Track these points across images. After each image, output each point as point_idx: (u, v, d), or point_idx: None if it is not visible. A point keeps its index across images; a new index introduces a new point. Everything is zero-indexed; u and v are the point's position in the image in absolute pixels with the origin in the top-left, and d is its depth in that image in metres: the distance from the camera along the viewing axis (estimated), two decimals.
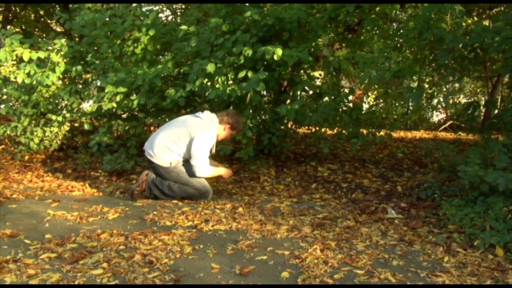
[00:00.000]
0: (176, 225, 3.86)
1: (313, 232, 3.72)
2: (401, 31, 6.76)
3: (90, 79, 6.17)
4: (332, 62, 5.65)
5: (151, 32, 5.63)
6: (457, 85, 12.20)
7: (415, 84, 11.18)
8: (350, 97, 6.20)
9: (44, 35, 17.90)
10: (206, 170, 4.62)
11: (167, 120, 5.41)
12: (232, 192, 5.04)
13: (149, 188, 4.68)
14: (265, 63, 5.28)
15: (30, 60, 5.81)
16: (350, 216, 4.20)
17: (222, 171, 4.86)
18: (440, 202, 4.29)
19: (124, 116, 5.93)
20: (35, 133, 5.86)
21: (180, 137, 4.58)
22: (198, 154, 4.53)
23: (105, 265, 2.95)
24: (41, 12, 17.94)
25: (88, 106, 5.84)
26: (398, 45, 6.90)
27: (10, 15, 15.03)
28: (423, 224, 3.97)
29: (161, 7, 6.47)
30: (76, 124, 6.23)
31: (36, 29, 17.76)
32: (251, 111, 5.50)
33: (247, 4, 6.06)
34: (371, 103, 13.41)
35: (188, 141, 4.56)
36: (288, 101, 5.91)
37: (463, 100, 14.44)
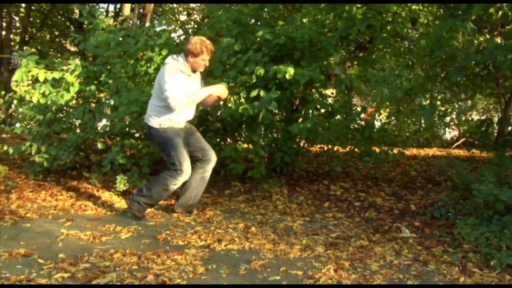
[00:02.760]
0: (189, 244, 3.86)
1: (326, 252, 3.71)
2: (413, 48, 6.78)
3: (103, 99, 6.23)
4: (344, 80, 5.66)
5: (164, 52, 5.68)
6: (469, 102, 12.17)
7: (427, 102, 11.18)
8: (362, 115, 6.20)
9: (59, 55, 18.17)
10: (180, 102, 4.45)
11: None
12: (244, 211, 5.03)
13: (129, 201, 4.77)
14: (277, 82, 5.30)
15: (45, 80, 5.89)
16: (363, 235, 4.18)
17: (209, 90, 4.72)
18: (455, 221, 4.25)
19: (137, 135, 5.96)
20: (49, 152, 5.90)
21: (157, 90, 4.59)
22: (167, 91, 4.43)
23: (118, 285, 2.95)
24: (56, 33, 18.26)
25: (101, 125, 5.89)
26: (410, 63, 6.91)
27: (27, 36, 15.27)
28: (437, 243, 3.93)
29: (173, 27, 6.51)
30: (90, 143, 6.28)
31: (51, 49, 18.05)
32: (263, 129, 5.51)
33: (258, 23, 6.12)
34: (383, 120, 13.40)
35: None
36: (300, 119, 5.91)
37: (475, 117, 14.39)
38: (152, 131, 4.66)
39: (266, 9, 6.08)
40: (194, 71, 4.67)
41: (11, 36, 14.85)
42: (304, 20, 5.90)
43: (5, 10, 13.99)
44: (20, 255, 3.50)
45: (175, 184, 4.66)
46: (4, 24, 14.07)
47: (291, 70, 4.90)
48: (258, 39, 5.46)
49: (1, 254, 3.49)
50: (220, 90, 4.74)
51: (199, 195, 4.93)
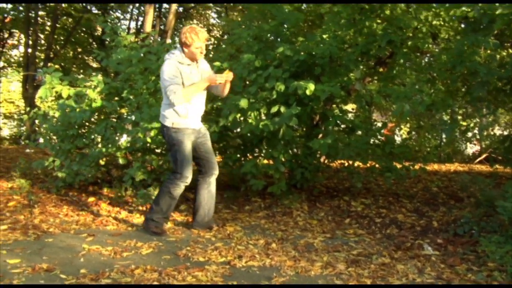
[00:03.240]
0: (210, 261, 3.85)
1: (348, 269, 3.67)
2: (433, 63, 6.74)
3: (125, 115, 6.29)
4: (365, 96, 5.65)
5: None
6: (491, 117, 12.02)
7: (448, 117, 11.07)
8: (383, 131, 6.17)
9: (82, 71, 18.48)
10: (177, 94, 4.47)
11: None
12: (265, 227, 5.01)
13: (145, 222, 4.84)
14: (298, 97, 5.31)
15: (69, 97, 5.98)
16: (385, 253, 4.13)
17: (204, 81, 4.62)
18: (479, 238, 4.18)
19: (158, 150, 6.01)
20: (71, 168, 5.97)
21: (162, 87, 4.66)
22: (165, 86, 4.50)
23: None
24: (79, 50, 18.58)
25: (123, 141, 5.94)
26: (430, 78, 6.87)
27: (51, 53, 15.56)
28: (461, 261, 3.87)
29: None
30: (112, 159, 6.34)
31: (74, 66, 18.36)
32: (283, 145, 5.51)
33: (278, 39, 6.15)
34: (403, 136, 13.29)
35: None
36: (320, 135, 5.91)
37: (497, 131, 14.18)
38: (164, 130, 4.67)
39: (286, 25, 6.10)
40: (193, 60, 4.62)
41: (36, 53, 15.13)
42: (324, 36, 5.91)
43: (31, 29, 14.29)
44: (43, 270, 3.53)
45: (177, 189, 4.67)
46: (30, 42, 14.36)
47: (311, 86, 4.91)
48: (279, 55, 5.49)
49: (25, 269, 3.52)
50: (216, 78, 4.58)
51: (212, 209, 4.92)
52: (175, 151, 4.63)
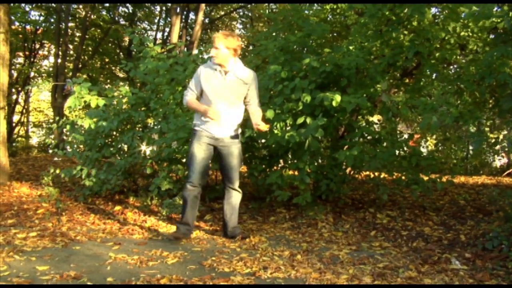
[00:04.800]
0: (235, 271, 3.85)
1: (374, 282, 3.63)
2: (461, 75, 6.67)
3: (151, 124, 6.37)
4: (391, 107, 5.62)
5: None
6: None
7: (475, 128, 10.91)
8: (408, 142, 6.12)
9: (109, 81, 18.77)
10: (185, 97, 4.73)
11: None
12: (290, 239, 5.00)
13: None
14: (324, 109, 5.30)
15: (97, 106, 6.08)
16: (411, 266, 4.07)
17: (202, 107, 4.61)
18: (508, 253, 4.10)
19: (183, 160, 6.05)
20: (98, 176, 6.05)
21: None
22: None
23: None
24: (107, 60, 18.88)
25: (149, 150, 6.01)
26: (458, 89, 6.79)
27: (80, 63, 15.84)
28: (490, 276, 3.79)
29: None
30: (138, 168, 6.41)
31: (101, 76, 18.66)
32: (309, 156, 5.50)
33: (304, 50, 6.17)
34: (429, 147, 13.15)
35: None
36: (346, 146, 5.88)
37: None
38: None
39: (312, 37, 6.11)
40: (219, 65, 4.60)
41: (66, 63, 15.44)
42: (351, 47, 5.91)
43: (61, 40, 14.59)
44: (71, 278, 3.57)
45: (185, 191, 4.73)
46: (60, 53, 14.66)
47: (338, 98, 4.90)
48: (305, 66, 5.50)
49: (53, 276, 3.57)
50: (207, 113, 4.54)
51: (232, 220, 4.92)
52: (189, 153, 4.74)
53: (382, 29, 5.97)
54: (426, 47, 5.62)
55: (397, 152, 5.92)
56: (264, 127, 4.60)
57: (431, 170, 5.96)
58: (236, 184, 4.87)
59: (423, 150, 11.02)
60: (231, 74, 4.61)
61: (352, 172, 6.25)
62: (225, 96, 4.60)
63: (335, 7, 7.57)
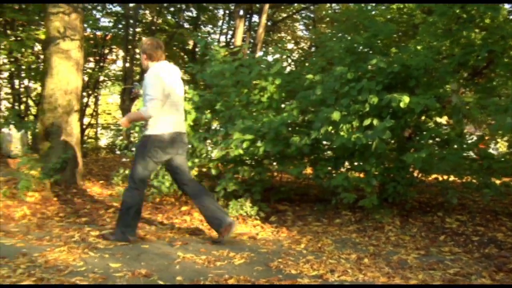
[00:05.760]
0: (302, 273, 3.84)
1: None
2: None
3: (217, 126, 6.46)
4: (462, 108, 5.44)
5: (277, 81, 5.81)
6: None
7: None
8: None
9: None
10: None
11: (291, 167, 5.52)
12: (356, 242, 4.94)
13: None
14: (391, 110, 5.21)
15: None
16: (484, 273, 3.92)
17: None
18: None
19: (248, 161, 6.11)
20: (166, 177, 6.19)
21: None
22: None
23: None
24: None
25: (216, 152, 6.09)
26: None
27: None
28: None
29: (285, 57, 6.65)
30: (204, 169, 6.51)
31: None
32: (375, 159, 5.42)
33: (371, 51, 6.08)
34: (499, 149, 12.61)
35: None
36: (412, 149, 5.75)
37: None
38: None
39: (379, 37, 6.01)
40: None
41: (133, 67, 15.92)
42: (418, 47, 5.77)
43: (129, 45, 15.06)
44: (142, 275, 3.67)
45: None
46: (128, 57, 15.14)
47: (406, 99, 4.80)
48: (372, 67, 5.42)
49: (125, 273, 3.68)
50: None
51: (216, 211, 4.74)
52: None
53: (452, 28, 5.80)
54: (500, 45, 5.41)
55: (467, 154, 5.73)
56: (122, 124, 4.73)
57: (503, 173, 5.73)
58: (131, 180, 4.70)
59: (493, 152, 10.59)
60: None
61: (420, 175, 6.10)
62: None
63: (402, 6, 7.42)
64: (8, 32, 12.65)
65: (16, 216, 5.57)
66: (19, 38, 11.95)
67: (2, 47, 12.43)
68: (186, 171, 4.79)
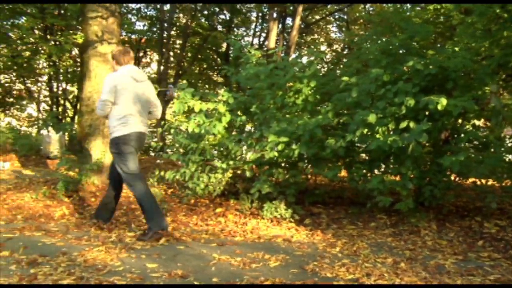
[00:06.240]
0: (337, 277, 3.82)
1: None
2: None
3: (252, 129, 6.48)
4: (502, 111, 5.32)
5: (312, 83, 5.80)
6: None
7: None
8: None
9: (206, 86, 19.35)
10: None
11: (326, 170, 5.49)
12: (392, 246, 4.88)
13: None
14: (427, 113, 5.13)
15: (200, 111, 6.28)
16: None
17: None
18: None
19: (283, 164, 6.10)
20: (201, 179, 6.24)
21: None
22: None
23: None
24: (204, 66, 19.50)
25: (250, 154, 6.11)
26: None
27: (181, 70, 16.48)
28: None
29: (319, 59, 6.62)
30: (239, 171, 6.54)
31: (200, 81, 19.29)
32: (411, 162, 5.35)
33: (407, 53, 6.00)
34: None
35: None
36: (449, 152, 5.65)
37: None
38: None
39: (415, 38, 5.93)
40: None
41: (168, 70, 16.14)
42: (456, 49, 5.67)
43: (164, 48, 15.27)
44: (178, 276, 3.71)
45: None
46: (162, 60, 15.35)
47: (443, 101, 4.72)
48: (408, 69, 5.35)
49: (162, 274, 3.73)
50: None
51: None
52: None
53: (492, 28, 5.68)
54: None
55: (506, 158, 5.61)
56: None
57: None
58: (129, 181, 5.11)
59: None
60: None
61: (457, 179, 5.99)
62: None
63: (439, 7, 7.31)
64: (48, 37, 12.98)
65: (55, 216, 5.71)
66: (57, 43, 12.27)
67: (42, 51, 12.77)
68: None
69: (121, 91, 4.83)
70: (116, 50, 5.14)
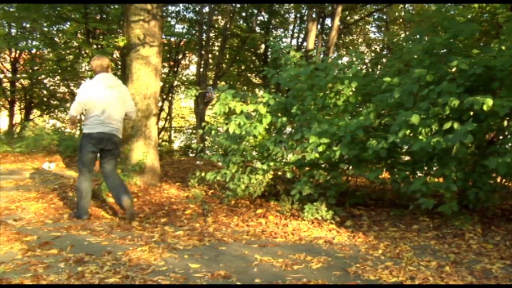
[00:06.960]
0: (381, 280, 3.78)
1: None
2: None
3: (293, 130, 6.48)
4: None
5: (353, 84, 5.75)
6: None
7: None
8: None
9: (245, 87, 19.45)
10: None
11: (367, 171, 5.44)
12: (435, 249, 4.79)
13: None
14: (472, 113, 5.03)
15: (241, 112, 6.32)
16: None
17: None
18: None
19: (324, 165, 6.08)
20: (241, 180, 6.28)
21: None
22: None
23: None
24: (243, 67, 19.61)
25: (291, 155, 6.11)
26: None
27: (220, 71, 16.61)
28: None
29: (360, 60, 6.55)
30: (279, 173, 6.55)
31: (238, 83, 19.42)
32: (455, 163, 5.24)
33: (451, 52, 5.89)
34: None
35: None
36: (495, 153, 5.51)
37: None
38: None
39: (459, 38, 5.81)
40: None
41: (207, 72, 16.30)
42: (503, 47, 5.53)
43: (203, 51, 15.43)
44: (221, 276, 3.74)
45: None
46: (201, 62, 15.52)
47: (489, 101, 4.61)
48: (452, 69, 5.25)
49: (205, 274, 3.77)
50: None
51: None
52: None
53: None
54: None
55: None
56: (69, 128, 6.07)
57: None
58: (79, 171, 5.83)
59: None
60: None
61: (503, 181, 5.84)
62: None
63: (484, 5, 7.14)
64: (91, 40, 13.30)
65: (100, 215, 5.84)
66: (99, 46, 12.56)
67: (85, 55, 13.09)
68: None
69: (92, 97, 5.54)
70: (92, 60, 5.79)
